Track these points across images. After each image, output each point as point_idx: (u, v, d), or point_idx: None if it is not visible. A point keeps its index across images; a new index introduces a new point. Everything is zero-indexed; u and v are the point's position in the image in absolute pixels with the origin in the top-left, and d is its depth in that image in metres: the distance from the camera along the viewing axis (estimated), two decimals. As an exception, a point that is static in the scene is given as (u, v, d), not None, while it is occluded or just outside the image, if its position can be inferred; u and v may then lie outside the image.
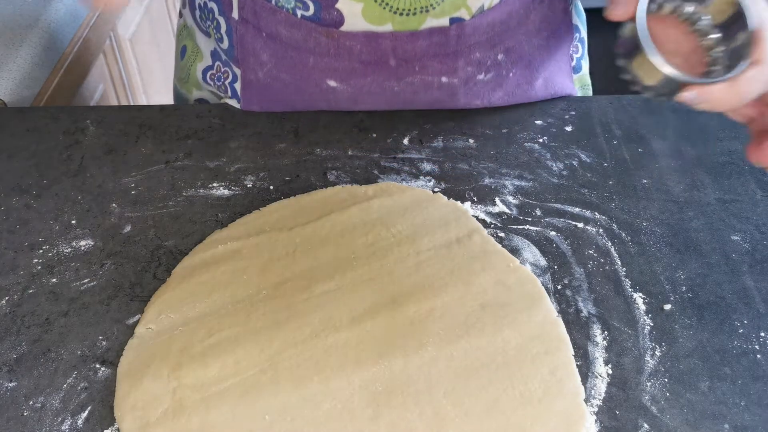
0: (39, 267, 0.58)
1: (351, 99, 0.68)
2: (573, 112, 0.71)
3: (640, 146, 0.67)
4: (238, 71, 0.71)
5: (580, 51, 0.76)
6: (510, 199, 0.62)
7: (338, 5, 0.60)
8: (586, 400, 0.47)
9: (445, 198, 0.62)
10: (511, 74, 0.69)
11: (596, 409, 0.47)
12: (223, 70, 0.73)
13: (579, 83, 0.77)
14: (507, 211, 0.61)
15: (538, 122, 0.70)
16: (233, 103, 0.73)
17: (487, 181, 0.64)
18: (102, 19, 1.14)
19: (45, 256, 0.59)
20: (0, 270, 0.57)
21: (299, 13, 0.61)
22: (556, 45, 0.71)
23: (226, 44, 0.69)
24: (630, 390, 0.48)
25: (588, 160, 0.65)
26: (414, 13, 0.60)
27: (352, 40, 0.62)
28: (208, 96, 0.77)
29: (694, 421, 0.46)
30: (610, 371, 0.49)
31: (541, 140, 0.68)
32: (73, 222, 0.61)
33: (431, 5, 0.59)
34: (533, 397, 0.47)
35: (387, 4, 0.59)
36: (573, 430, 0.46)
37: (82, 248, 0.59)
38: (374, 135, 0.69)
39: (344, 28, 0.61)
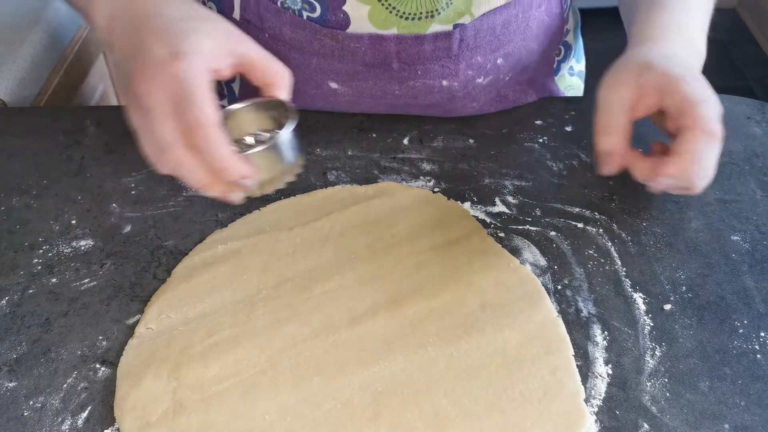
0: (39, 267, 0.58)
1: (351, 101, 0.68)
2: (573, 112, 0.71)
3: (640, 146, 0.67)
4: None
5: (561, 54, 0.76)
6: (510, 199, 0.62)
7: (345, 7, 0.60)
8: (586, 400, 0.47)
9: (445, 198, 0.62)
10: (507, 78, 0.69)
11: (596, 409, 0.47)
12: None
13: (561, 84, 0.78)
14: (507, 211, 0.61)
15: (538, 122, 0.70)
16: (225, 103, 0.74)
17: (487, 181, 0.64)
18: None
19: (45, 256, 0.59)
20: (0, 270, 0.57)
21: (305, 14, 0.61)
22: (548, 49, 0.72)
23: None
24: (630, 390, 0.48)
25: (588, 160, 0.65)
26: (419, 18, 0.60)
27: (357, 42, 0.62)
28: None
29: (694, 421, 0.46)
30: (610, 371, 0.49)
31: (541, 140, 0.68)
32: (73, 222, 0.61)
33: (436, 10, 0.59)
34: (533, 397, 0.47)
35: (394, 8, 0.59)
36: (573, 430, 0.46)
37: (82, 248, 0.59)
38: (374, 135, 0.69)
39: (350, 30, 0.61)
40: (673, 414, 0.47)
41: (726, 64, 2.24)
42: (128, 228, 0.61)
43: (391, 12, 0.59)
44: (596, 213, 0.61)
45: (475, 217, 0.60)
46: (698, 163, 0.51)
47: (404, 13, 0.60)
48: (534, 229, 0.59)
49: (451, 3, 0.60)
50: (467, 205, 0.61)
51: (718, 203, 0.61)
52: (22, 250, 0.59)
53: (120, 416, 0.47)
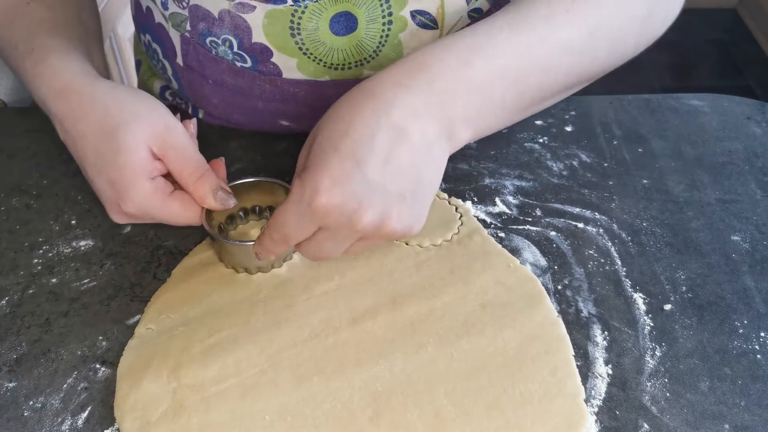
0: (39, 267, 0.58)
1: (307, 132, 0.68)
2: (573, 112, 0.71)
3: (640, 146, 0.67)
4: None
5: None
6: (510, 199, 0.62)
7: (273, 59, 0.59)
8: (586, 401, 0.47)
9: (446, 197, 0.61)
10: None
11: (596, 410, 0.47)
12: (178, 101, 0.74)
13: None
14: (507, 211, 0.61)
15: (538, 122, 0.70)
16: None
17: (487, 181, 0.64)
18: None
19: (45, 256, 0.59)
20: (0, 270, 0.57)
21: (239, 64, 0.61)
22: None
23: (175, 86, 0.69)
24: (630, 390, 0.48)
25: (588, 160, 0.65)
26: (349, 68, 0.60)
27: (296, 87, 0.62)
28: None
29: (694, 422, 0.46)
30: (610, 371, 0.49)
31: (541, 140, 0.68)
32: (73, 222, 0.61)
33: (365, 59, 0.59)
34: (533, 397, 0.47)
35: (320, 60, 0.59)
36: (573, 430, 0.46)
37: (82, 248, 0.59)
38: (374, 135, 0.69)
39: (284, 77, 0.61)
40: (673, 414, 0.47)
41: (726, 64, 2.23)
42: (128, 228, 0.61)
43: (318, 63, 0.59)
44: (596, 213, 0.61)
45: (476, 217, 0.60)
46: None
47: (332, 64, 0.59)
48: (534, 229, 0.59)
49: (381, 51, 0.59)
50: (468, 205, 0.61)
51: (718, 203, 0.61)
52: (22, 250, 0.59)
53: (120, 416, 0.47)
